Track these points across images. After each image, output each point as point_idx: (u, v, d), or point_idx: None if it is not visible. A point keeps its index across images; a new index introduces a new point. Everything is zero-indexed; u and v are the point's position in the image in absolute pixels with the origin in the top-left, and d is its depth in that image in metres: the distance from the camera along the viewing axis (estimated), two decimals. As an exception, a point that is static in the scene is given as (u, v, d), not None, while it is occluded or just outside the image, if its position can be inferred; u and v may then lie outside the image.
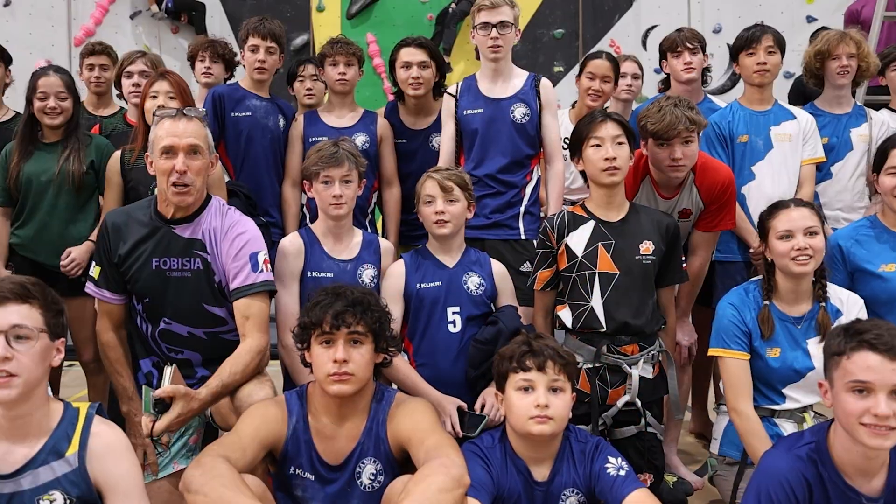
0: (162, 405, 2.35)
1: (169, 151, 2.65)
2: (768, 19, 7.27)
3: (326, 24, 7.62)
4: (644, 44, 7.68)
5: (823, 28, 4.70)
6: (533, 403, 2.31)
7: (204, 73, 4.06)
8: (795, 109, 3.72)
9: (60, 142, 3.57)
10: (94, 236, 3.48)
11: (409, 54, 3.72)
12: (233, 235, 2.71)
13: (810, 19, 7.49)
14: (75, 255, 3.50)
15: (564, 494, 2.36)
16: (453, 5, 7.46)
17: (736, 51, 3.64)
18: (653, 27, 7.67)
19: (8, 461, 1.95)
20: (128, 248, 2.71)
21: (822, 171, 3.73)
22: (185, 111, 2.72)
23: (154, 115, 2.80)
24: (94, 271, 2.77)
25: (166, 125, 2.68)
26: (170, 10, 7.53)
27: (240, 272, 2.68)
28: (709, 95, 4.06)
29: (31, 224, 3.58)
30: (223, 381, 2.50)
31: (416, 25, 7.53)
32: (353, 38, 4.05)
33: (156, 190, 2.79)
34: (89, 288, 2.79)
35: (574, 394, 2.43)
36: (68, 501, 1.96)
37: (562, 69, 7.62)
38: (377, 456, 2.36)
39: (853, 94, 4.02)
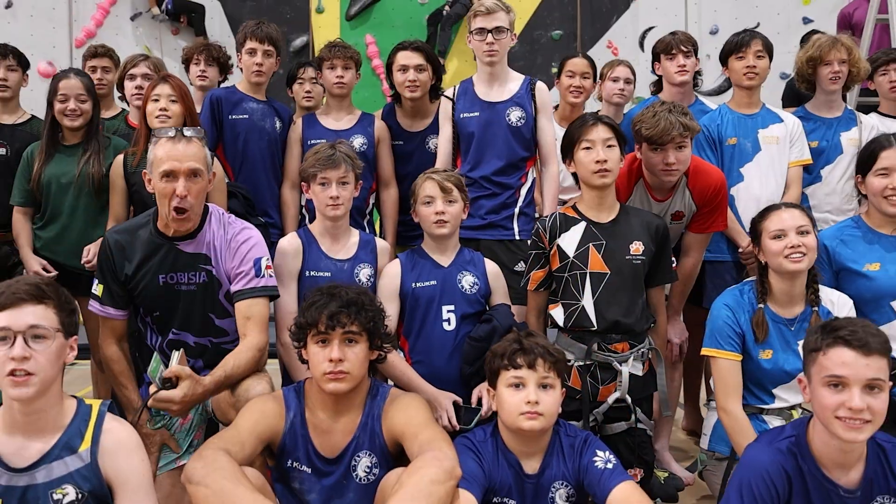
0: (169, 385, 2.41)
1: (169, 175, 2.66)
2: (765, 21, 7.36)
3: (326, 26, 7.62)
4: (641, 45, 7.71)
5: (814, 31, 4.74)
6: (524, 400, 2.36)
7: (199, 77, 4.10)
8: (782, 112, 3.78)
9: (80, 144, 3.59)
10: None
11: (406, 58, 3.76)
12: (236, 245, 2.76)
13: (806, 21, 7.50)
14: (93, 248, 3.47)
15: (554, 487, 2.41)
16: (447, 7, 7.48)
17: (725, 55, 3.69)
18: (650, 28, 7.70)
19: (23, 455, 2.00)
20: (134, 267, 2.75)
21: (812, 175, 3.77)
22: (184, 132, 2.72)
23: (153, 136, 2.79)
24: (98, 289, 2.80)
25: (166, 147, 2.68)
26: (170, 11, 7.54)
27: (244, 276, 2.74)
28: (700, 98, 4.10)
29: (52, 226, 3.60)
30: (226, 373, 2.57)
31: (414, 27, 7.56)
32: (352, 39, 4.10)
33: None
34: (93, 306, 2.82)
35: (564, 390, 2.47)
36: (80, 496, 2.00)
37: (559, 70, 7.65)
38: (372, 449, 2.41)
39: (844, 98, 4.05)
